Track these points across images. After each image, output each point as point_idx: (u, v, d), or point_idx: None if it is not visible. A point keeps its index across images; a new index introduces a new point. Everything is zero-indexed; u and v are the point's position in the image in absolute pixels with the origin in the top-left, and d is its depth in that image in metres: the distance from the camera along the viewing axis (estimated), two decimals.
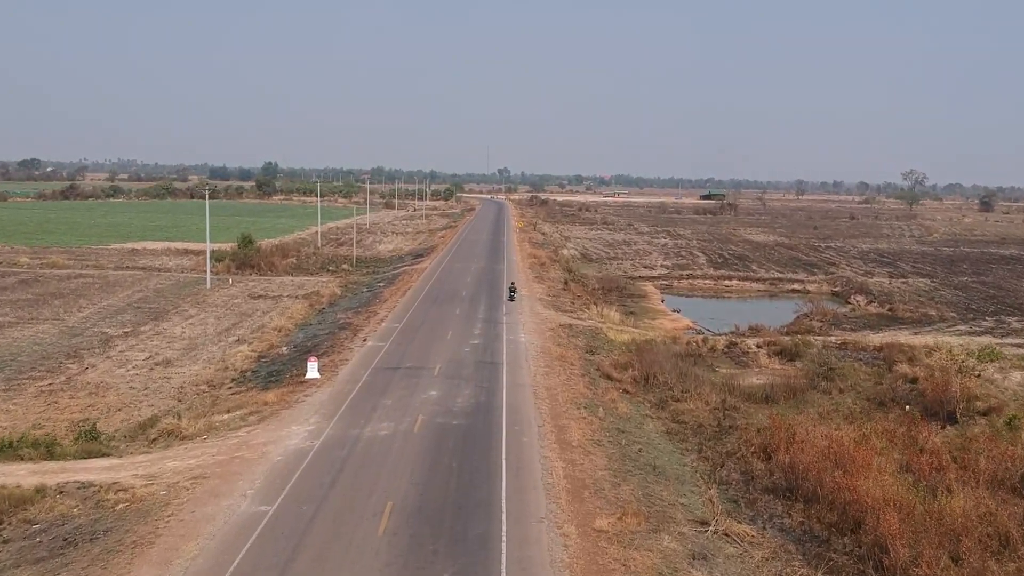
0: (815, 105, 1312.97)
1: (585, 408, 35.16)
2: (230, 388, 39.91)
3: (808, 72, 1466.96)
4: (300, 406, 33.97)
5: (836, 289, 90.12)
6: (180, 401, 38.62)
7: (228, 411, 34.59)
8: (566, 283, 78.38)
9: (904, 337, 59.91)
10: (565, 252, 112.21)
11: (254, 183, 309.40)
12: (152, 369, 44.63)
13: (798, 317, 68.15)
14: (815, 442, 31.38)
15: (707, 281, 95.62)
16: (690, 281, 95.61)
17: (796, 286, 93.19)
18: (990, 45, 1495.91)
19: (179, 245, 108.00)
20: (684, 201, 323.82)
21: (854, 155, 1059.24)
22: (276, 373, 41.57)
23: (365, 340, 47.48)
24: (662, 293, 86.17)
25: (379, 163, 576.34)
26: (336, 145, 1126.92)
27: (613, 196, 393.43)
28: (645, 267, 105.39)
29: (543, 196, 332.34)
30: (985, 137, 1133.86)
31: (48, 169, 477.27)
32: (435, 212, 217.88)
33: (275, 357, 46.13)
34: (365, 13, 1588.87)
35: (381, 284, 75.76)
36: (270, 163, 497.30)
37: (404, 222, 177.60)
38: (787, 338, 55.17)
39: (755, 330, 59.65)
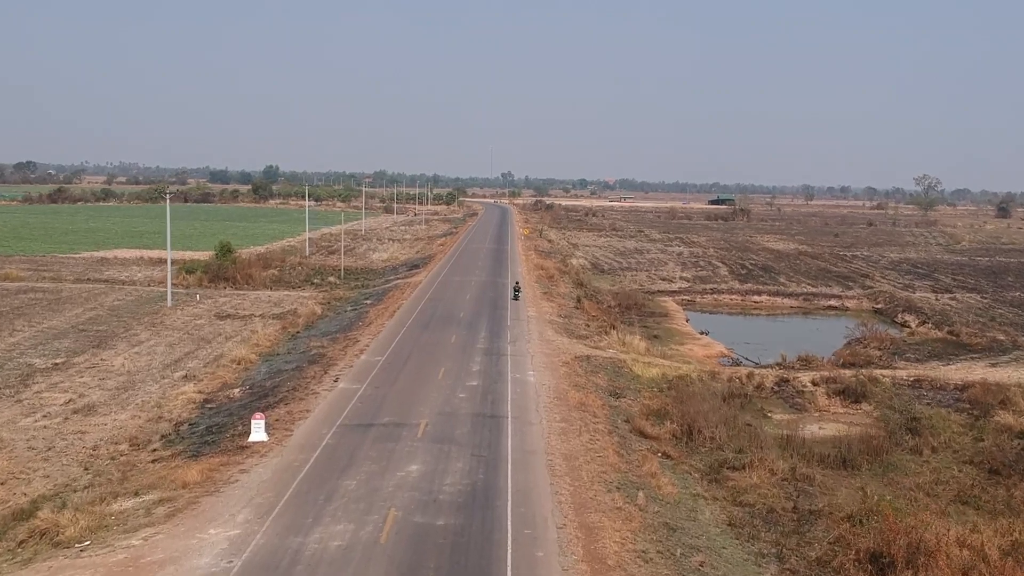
0: (816, 109, 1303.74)
1: (619, 490, 26.05)
2: (154, 451, 30.85)
3: (811, 76, 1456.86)
4: (230, 489, 24.88)
5: (878, 306, 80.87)
6: (87, 469, 29.62)
7: (136, 493, 25.54)
8: (579, 300, 69.18)
9: (981, 370, 50.72)
10: (574, 262, 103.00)
11: (251, 187, 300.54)
12: (68, 419, 35.58)
13: (850, 343, 58.85)
14: (949, 551, 22.37)
15: (733, 296, 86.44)
16: (715, 296, 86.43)
17: (833, 302, 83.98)
18: (995, 48, 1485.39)
19: (153, 254, 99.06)
20: (693, 206, 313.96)
21: (859, 160, 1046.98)
22: (217, 428, 32.58)
23: (337, 380, 38.41)
24: (685, 310, 77.07)
25: (382, 167, 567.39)
26: (339, 149, 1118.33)
27: (620, 201, 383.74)
28: (663, 279, 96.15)
29: (548, 200, 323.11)
30: (991, 142, 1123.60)
31: (48, 172, 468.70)
32: (436, 217, 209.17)
33: (223, 402, 37.09)
34: (369, 15, 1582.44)
35: (368, 301, 66.70)
36: (271, 166, 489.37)
37: (403, 228, 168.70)
38: (848, 372, 46.01)
39: (806, 362, 50.57)
